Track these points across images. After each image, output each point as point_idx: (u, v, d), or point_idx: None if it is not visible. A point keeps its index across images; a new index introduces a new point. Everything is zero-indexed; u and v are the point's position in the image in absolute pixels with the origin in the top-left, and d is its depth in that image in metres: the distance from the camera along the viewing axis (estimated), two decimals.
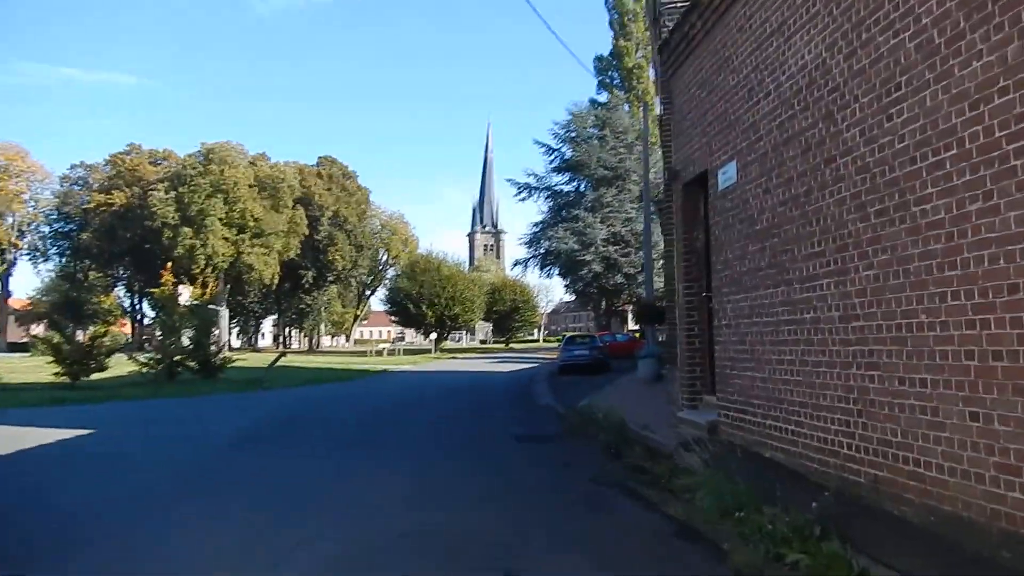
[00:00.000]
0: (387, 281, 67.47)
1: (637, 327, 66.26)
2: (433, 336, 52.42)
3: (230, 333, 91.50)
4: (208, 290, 25.31)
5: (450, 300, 51.28)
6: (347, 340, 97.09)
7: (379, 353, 50.92)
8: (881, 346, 4.88)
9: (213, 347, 23.46)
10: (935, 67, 4.37)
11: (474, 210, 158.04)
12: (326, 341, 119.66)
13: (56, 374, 20.20)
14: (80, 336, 25.39)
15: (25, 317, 72.09)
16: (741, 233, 7.23)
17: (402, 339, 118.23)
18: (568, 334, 34.67)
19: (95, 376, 20.97)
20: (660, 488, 6.71)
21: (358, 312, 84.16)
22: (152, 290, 25.85)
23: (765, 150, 6.71)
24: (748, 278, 7.07)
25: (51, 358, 20.41)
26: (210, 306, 25.45)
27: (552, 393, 18.66)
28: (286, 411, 14.81)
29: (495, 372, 29.90)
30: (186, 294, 46.04)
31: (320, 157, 77.93)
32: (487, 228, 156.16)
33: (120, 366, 22.60)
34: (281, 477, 7.72)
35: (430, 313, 50.43)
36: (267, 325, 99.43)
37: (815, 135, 5.79)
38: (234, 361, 24.15)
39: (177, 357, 21.88)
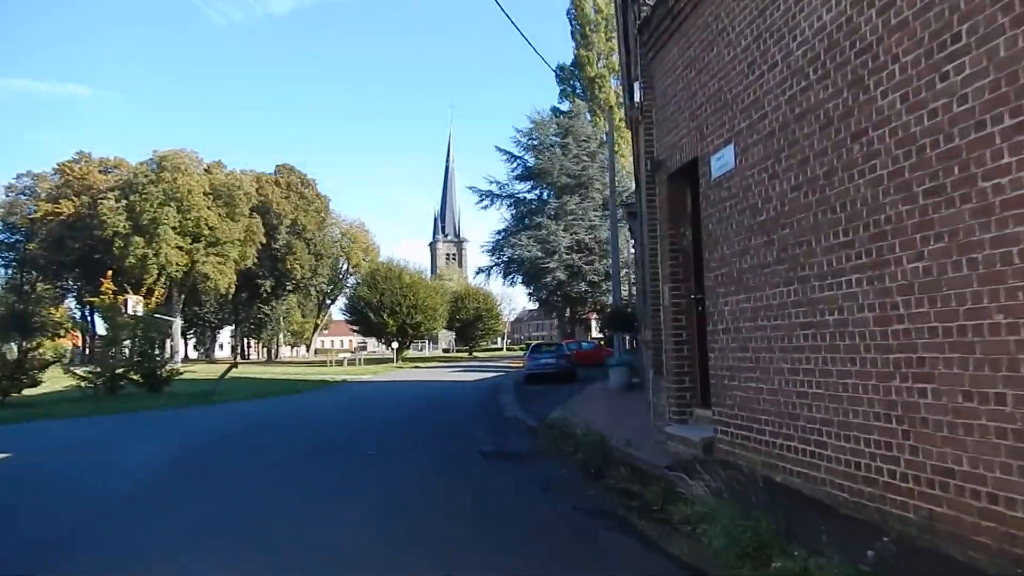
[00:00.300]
0: (348, 290, 65.68)
1: (602, 335, 65.63)
2: (395, 345, 51.04)
3: (186, 344, 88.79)
4: (154, 298, 23.80)
5: (412, 308, 49.97)
6: (308, 350, 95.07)
7: (339, 363, 49.39)
8: (936, 353, 4.00)
9: (163, 358, 22.00)
10: (1012, 7, 3.51)
11: (436, 219, 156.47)
12: (286, 351, 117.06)
13: None
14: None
15: None
16: (741, 225, 6.35)
17: (364, 348, 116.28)
18: (534, 342, 33.72)
19: (29, 392, 19.40)
20: (655, 519, 5.76)
21: (318, 321, 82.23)
22: (91, 299, 24.27)
23: (771, 129, 5.84)
24: (751, 276, 6.19)
25: None
26: (158, 316, 23.93)
27: (520, 403, 17.69)
28: (231, 428, 13.60)
29: (459, 381, 28.83)
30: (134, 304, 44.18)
31: (278, 165, 76.19)
32: (449, 237, 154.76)
33: (58, 380, 21.03)
34: (213, 515, 6.62)
35: (391, 322, 49.04)
36: (225, 336, 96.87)
37: (838, 106, 4.92)
38: (182, 373, 22.67)
39: (119, 370, 20.38)
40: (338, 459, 9.64)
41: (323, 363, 51.94)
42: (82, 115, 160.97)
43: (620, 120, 63.83)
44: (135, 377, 20.94)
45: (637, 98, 8.90)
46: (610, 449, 8.68)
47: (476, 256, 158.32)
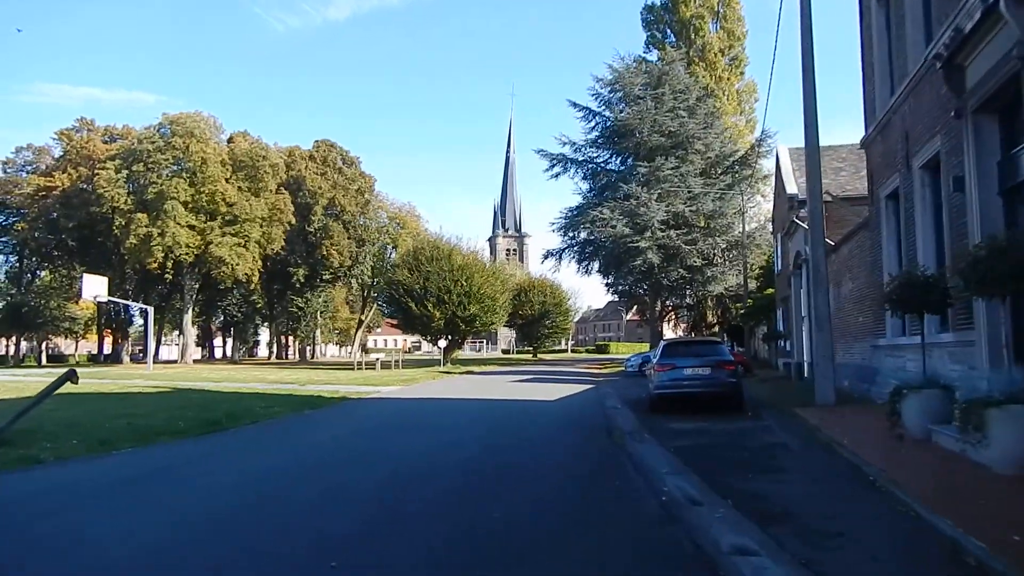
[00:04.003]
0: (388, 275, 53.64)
1: (694, 332, 52.57)
2: (442, 344, 39.37)
3: (224, 342, 79.12)
4: None
5: (464, 297, 38.06)
6: (355, 350, 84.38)
7: (369, 366, 38.02)
8: None
9: None
10: None
11: (495, 212, 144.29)
12: (333, 351, 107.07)
13: None
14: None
15: None
16: None
17: (418, 348, 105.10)
18: (669, 339, 21.34)
19: None
20: None
21: (362, 317, 71.18)
22: None
23: None
24: None
25: None
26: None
27: (765, 536, 5.40)
28: None
29: (532, 402, 16.81)
30: (95, 287, 33.54)
31: (317, 141, 65.22)
32: (510, 231, 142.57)
33: None
34: None
35: (437, 314, 37.35)
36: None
37: None
38: None
39: None
40: None
41: (349, 366, 40.61)
42: (145, 121, 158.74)
43: (723, 69, 51.17)
44: None
45: None
46: None
47: (539, 252, 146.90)
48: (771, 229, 37.62)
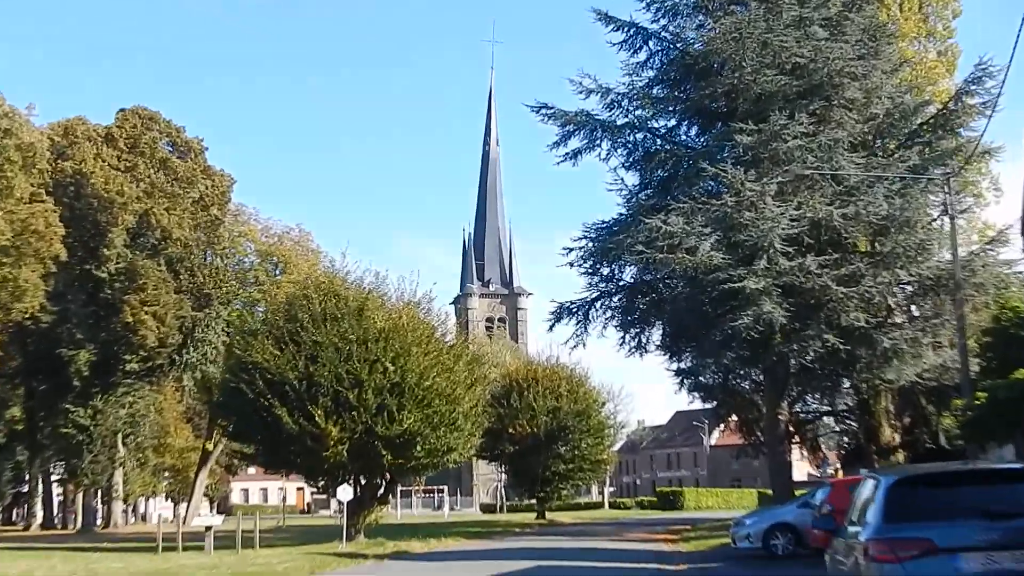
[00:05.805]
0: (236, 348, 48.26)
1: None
2: (344, 498, 33.63)
3: None
4: None
5: (394, 393, 32.83)
6: (196, 509, 79.87)
7: (195, 543, 32.60)
8: None
9: None
10: None
11: (464, 251, 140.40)
12: (166, 509, 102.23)
13: None
14: None
15: None
16: None
17: (326, 506, 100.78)
18: (906, 469, 16.45)
19: None
20: None
21: (208, 445, 66.96)
22: None
23: None
24: None
25: None
26: None
27: None
28: None
29: None
30: None
31: (122, 110, 62.94)
32: (491, 285, 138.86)
33: None
34: None
35: (335, 430, 31.81)
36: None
37: None
38: None
39: None
40: None
41: (150, 543, 35.08)
42: None
43: None
44: None
45: None
46: None
47: (545, 317, 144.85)
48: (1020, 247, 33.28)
